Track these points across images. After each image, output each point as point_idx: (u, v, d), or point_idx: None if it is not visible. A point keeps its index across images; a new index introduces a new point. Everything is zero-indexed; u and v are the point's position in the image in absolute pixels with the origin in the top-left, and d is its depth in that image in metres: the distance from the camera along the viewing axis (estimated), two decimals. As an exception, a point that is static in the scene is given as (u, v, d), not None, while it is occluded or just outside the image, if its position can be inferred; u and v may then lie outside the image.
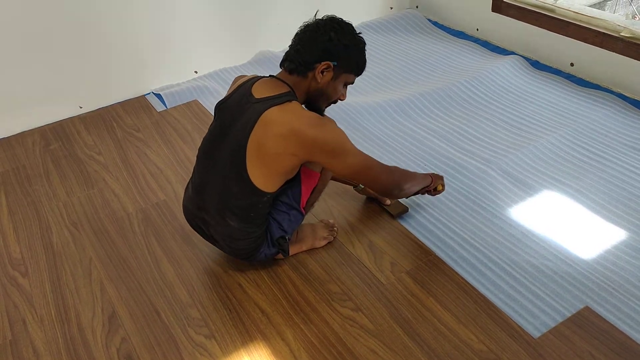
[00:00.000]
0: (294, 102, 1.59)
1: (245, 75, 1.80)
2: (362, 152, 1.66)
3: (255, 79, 1.69)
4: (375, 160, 1.69)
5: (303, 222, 1.95)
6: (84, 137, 2.75)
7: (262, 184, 1.62)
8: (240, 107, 1.64)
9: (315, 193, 1.85)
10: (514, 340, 1.59)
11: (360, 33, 1.67)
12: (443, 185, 1.98)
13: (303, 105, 1.67)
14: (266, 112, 1.56)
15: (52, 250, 2.06)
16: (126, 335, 1.70)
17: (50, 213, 2.24)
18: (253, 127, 1.57)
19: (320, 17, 1.67)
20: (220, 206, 1.69)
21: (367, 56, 1.69)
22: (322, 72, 1.60)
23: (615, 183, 2.15)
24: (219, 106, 1.73)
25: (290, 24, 3.38)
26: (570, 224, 1.99)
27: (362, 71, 1.70)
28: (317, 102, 1.70)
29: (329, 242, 1.96)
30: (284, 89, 1.62)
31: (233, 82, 1.81)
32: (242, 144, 1.59)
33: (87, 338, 1.71)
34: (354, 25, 1.69)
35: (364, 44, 1.66)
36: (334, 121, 1.66)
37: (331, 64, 1.59)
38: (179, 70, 3.15)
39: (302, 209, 1.80)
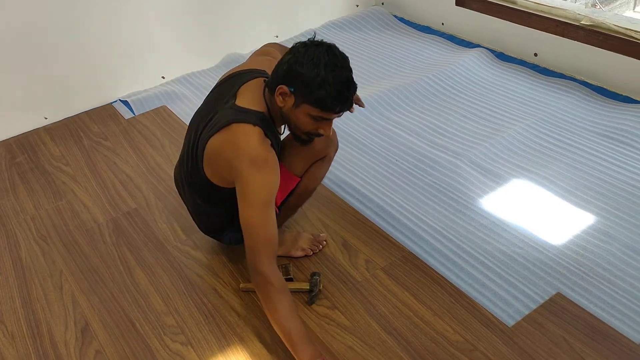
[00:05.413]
0: (241, 126, 1.53)
1: (260, 57, 1.82)
2: (266, 219, 1.52)
3: (255, 74, 1.68)
4: (269, 243, 1.52)
5: (289, 227, 1.96)
6: (51, 149, 2.70)
7: (217, 180, 1.64)
8: (220, 98, 1.64)
9: (295, 197, 1.84)
10: (489, 330, 1.61)
11: (341, 67, 1.48)
12: None
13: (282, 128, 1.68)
14: (213, 138, 1.56)
15: (21, 265, 2.01)
16: (100, 348, 1.67)
17: (17, 227, 2.20)
18: (213, 135, 1.56)
19: (314, 39, 1.54)
20: (187, 183, 1.75)
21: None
22: (281, 95, 1.51)
23: (582, 169, 2.19)
24: (230, 77, 1.72)
25: (258, 26, 3.40)
26: (540, 212, 2.02)
27: (331, 109, 1.49)
28: (289, 127, 1.63)
29: (306, 255, 1.93)
30: (257, 107, 1.58)
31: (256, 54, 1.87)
32: (202, 144, 1.61)
33: (61, 352, 1.68)
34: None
35: (336, 79, 1.46)
36: (274, 167, 1.54)
37: (287, 89, 1.49)
38: (146, 76, 3.11)
39: (276, 207, 1.78)
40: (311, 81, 1.45)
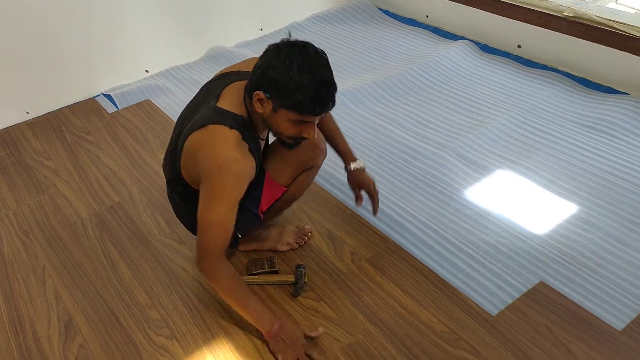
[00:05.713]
0: (217, 127, 1.49)
1: (255, 59, 1.66)
2: (229, 221, 1.51)
3: (242, 76, 1.60)
4: (220, 239, 1.52)
5: (274, 220, 1.96)
6: (32, 143, 2.66)
7: (190, 180, 1.62)
8: (205, 98, 1.61)
9: (281, 203, 1.83)
10: (473, 319, 1.62)
11: (316, 67, 1.40)
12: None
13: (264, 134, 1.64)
14: (190, 137, 1.53)
15: (4, 260, 1.99)
16: (84, 342, 1.66)
17: (-1, 223, 2.17)
18: (190, 134, 1.53)
19: (288, 39, 1.45)
20: (167, 179, 1.75)
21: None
22: (259, 102, 1.46)
23: (565, 159, 2.21)
24: (219, 76, 1.67)
25: (242, 19, 3.38)
26: (523, 202, 2.03)
27: (310, 111, 1.42)
28: (272, 133, 1.56)
29: (291, 248, 1.92)
30: (237, 110, 1.53)
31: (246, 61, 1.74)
32: (181, 143, 1.57)
33: (44, 347, 1.66)
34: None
35: (312, 80, 1.38)
36: (245, 170, 1.51)
37: (263, 95, 1.43)
38: (129, 69, 3.08)
39: (260, 213, 1.76)
40: (285, 85, 1.39)
